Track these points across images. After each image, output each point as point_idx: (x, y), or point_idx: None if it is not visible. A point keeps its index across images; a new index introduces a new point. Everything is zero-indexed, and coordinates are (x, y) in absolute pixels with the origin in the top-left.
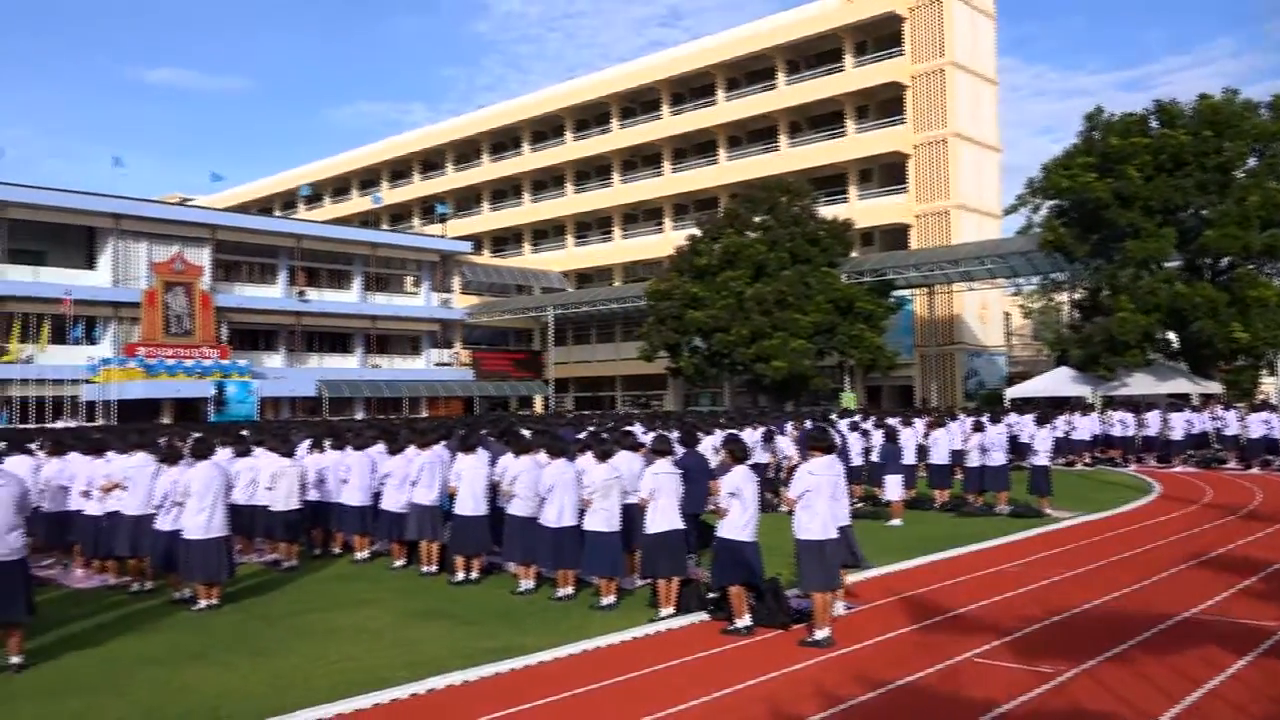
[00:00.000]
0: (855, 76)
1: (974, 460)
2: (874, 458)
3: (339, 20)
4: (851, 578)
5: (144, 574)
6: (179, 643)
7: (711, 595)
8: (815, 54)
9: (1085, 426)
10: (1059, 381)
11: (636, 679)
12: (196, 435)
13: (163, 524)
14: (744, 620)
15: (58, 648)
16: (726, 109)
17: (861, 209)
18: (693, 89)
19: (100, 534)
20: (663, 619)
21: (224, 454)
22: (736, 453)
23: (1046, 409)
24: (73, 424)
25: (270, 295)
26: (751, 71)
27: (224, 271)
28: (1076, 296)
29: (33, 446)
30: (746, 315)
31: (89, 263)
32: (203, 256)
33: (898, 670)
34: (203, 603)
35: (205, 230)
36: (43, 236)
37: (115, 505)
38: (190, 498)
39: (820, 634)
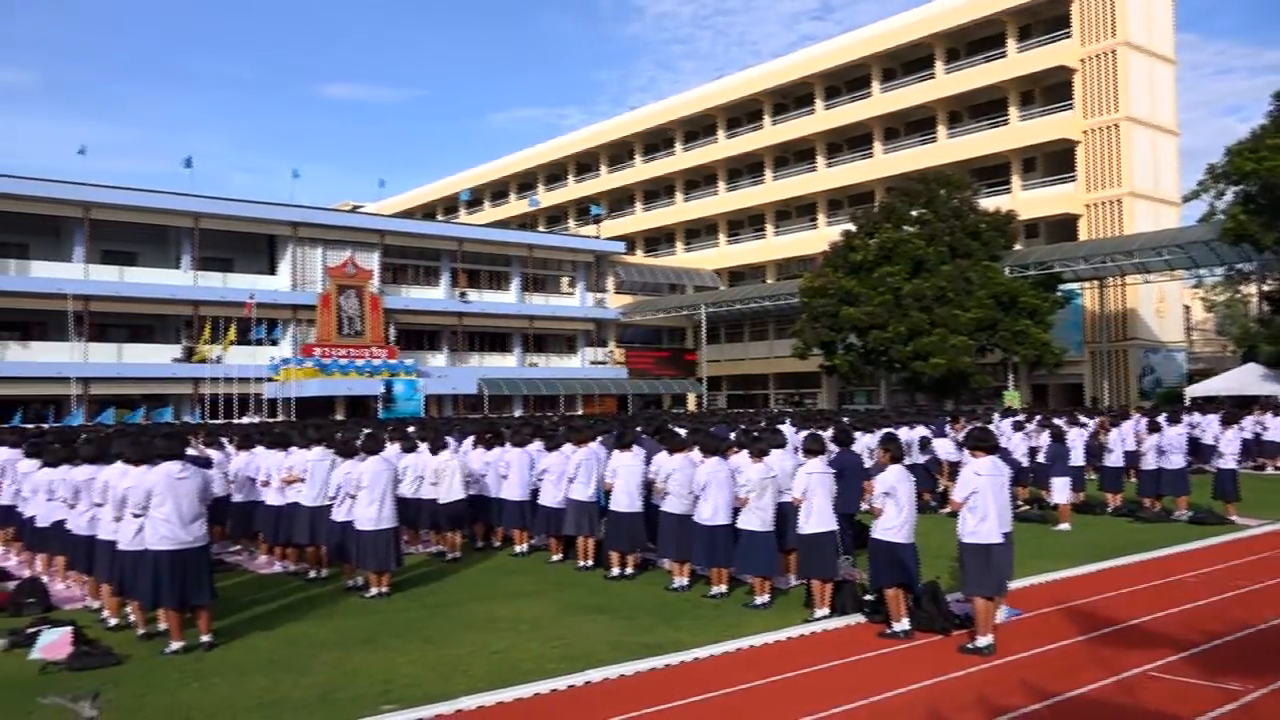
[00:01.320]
0: (1019, 62)
1: (1150, 463)
2: (1040, 459)
3: (499, 29)
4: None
5: (320, 562)
6: (352, 628)
7: (868, 597)
8: (976, 40)
9: (1277, 428)
10: (1246, 379)
11: (792, 679)
12: (367, 431)
13: (337, 515)
14: (902, 624)
15: (244, 628)
16: (882, 101)
17: (1025, 200)
18: (847, 82)
19: (281, 523)
20: (818, 620)
21: (392, 449)
22: (893, 452)
23: (1232, 409)
24: (256, 419)
25: (434, 297)
26: (908, 61)
27: (391, 274)
28: (1266, 288)
29: (223, 440)
30: (904, 312)
31: (270, 268)
32: (372, 260)
33: (1066, 681)
34: (373, 590)
35: (374, 235)
36: (230, 245)
37: (294, 496)
38: (362, 490)
39: (982, 641)
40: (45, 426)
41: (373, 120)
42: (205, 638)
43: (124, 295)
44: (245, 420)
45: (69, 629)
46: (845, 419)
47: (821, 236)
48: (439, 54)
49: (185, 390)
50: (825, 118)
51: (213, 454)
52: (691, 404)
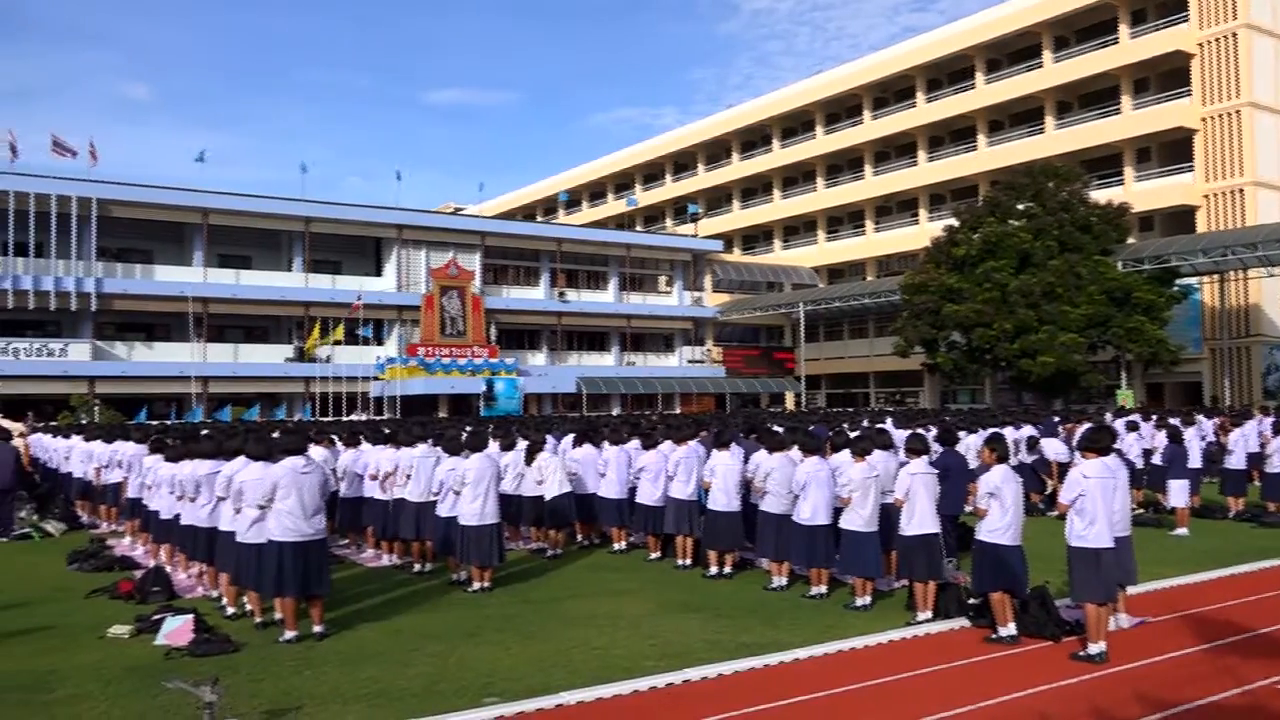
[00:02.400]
0: (1132, 48)
1: (1275, 465)
2: (1156, 460)
3: (596, 31)
4: (1131, 590)
5: (425, 556)
6: (455, 621)
7: (972, 601)
8: (1085, 27)
9: None
10: None
11: (893, 683)
12: (470, 429)
13: (441, 510)
14: (1008, 629)
15: (353, 620)
16: (986, 92)
17: (1139, 191)
18: (950, 73)
19: (388, 518)
20: (920, 623)
21: (494, 446)
22: (998, 452)
23: None
24: (363, 417)
25: (534, 297)
26: (1014, 51)
27: (492, 275)
28: None
29: (333, 437)
30: (1010, 308)
31: (377, 270)
32: (474, 262)
33: (1185, 692)
34: (476, 585)
35: (476, 237)
36: (339, 248)
37: (400, 492)
38: (466, 487)
39: (1094, 648)
40: (168, 423)
41: (474, 124)
42: (317, 628)
43: (240, 297)
44: (353, 418)
45: (190, 616)
46: (948, 418)
47: (923, 232)
48: (537, 58)
49: (297, 389)
50: (927, 111)
51: (323, 450)
52: (790, 403)
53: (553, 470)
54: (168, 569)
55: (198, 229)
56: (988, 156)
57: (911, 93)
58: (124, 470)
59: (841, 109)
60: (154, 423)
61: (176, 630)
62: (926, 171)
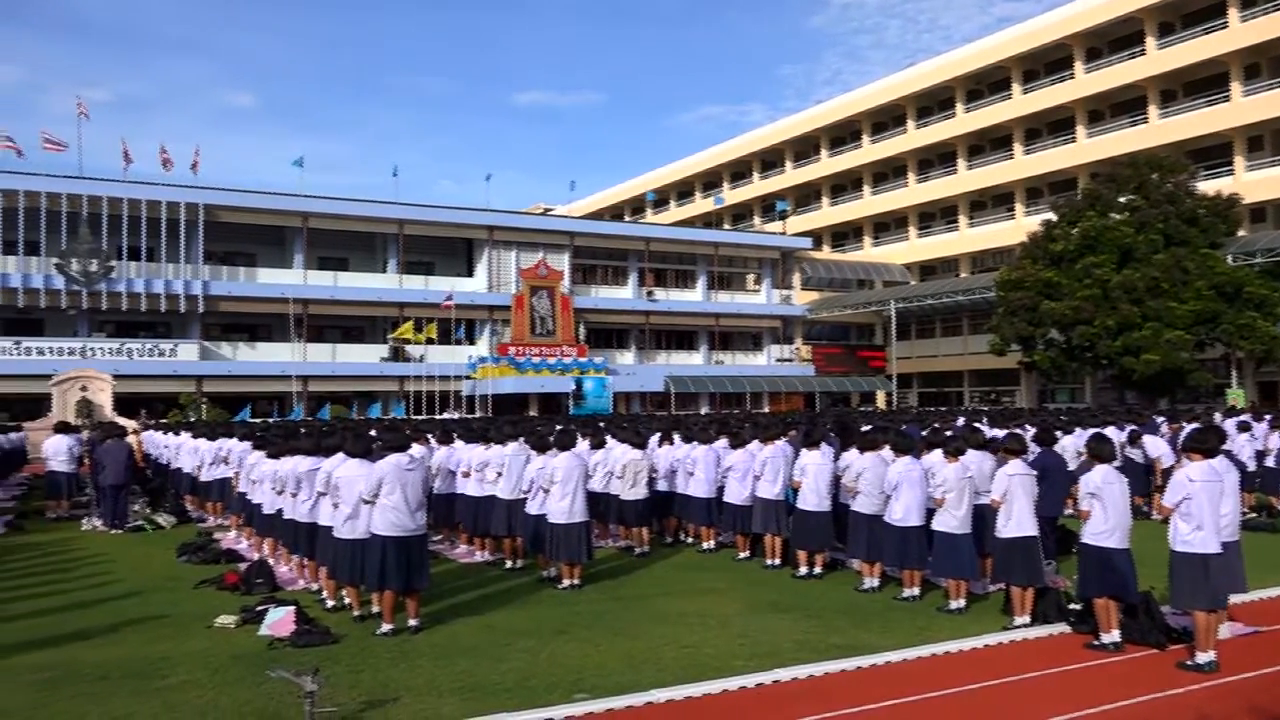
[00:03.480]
0: (1243, 32)
1: None
2: (1269, 463)
3: (682, 30)
4: (1235, 598)
5: (516, 552)
6: (546, 617)
7: (1074, 606)
8: (1192, 12)
9: None
10: None
11: (989, 688)
12: (560, 427)
13: (531, 508)
14: (1112, 635)
15: (446, 615)
16: (1086, 82)
17: (1250, 181)
18: (1047, 63)
19: (479, 514)
20: (1017, 627)
21: (583, 445)
22: (1099, 452)
23: None
24: (456, 415)
25: (622, 296)
26: (1115, 39)
27: (581, 275)
28: None
29: (428, 435)
30: (1112, 304)
31: (468, 271)
32: (563, 262)
33: None
34: (566, 582)
35: (564, 237)
36: (431, 249)
37: (492, 489)
38: (555, 485)
39: (1203, 658)
40: (271, 420)
41: (561, 125)
42: (413, 622)
43: (337, 299)
44: (446, 416)
45: (292, 608)
46: (1046, 418)
47: (1019, 227)
48: (624, 57)
49: (392, 387)
50: (1023, 102)
51: (421, 448)
52: (881, 402)
53: (638, 469)
54: (270, 561)
55: (298, 232)
56: (1087, 148)
57: (1007, 84)
58: (229, 466)
59: (934, 102)
60: (257, 420)
61: (279, 621)
62: (1023, 165)
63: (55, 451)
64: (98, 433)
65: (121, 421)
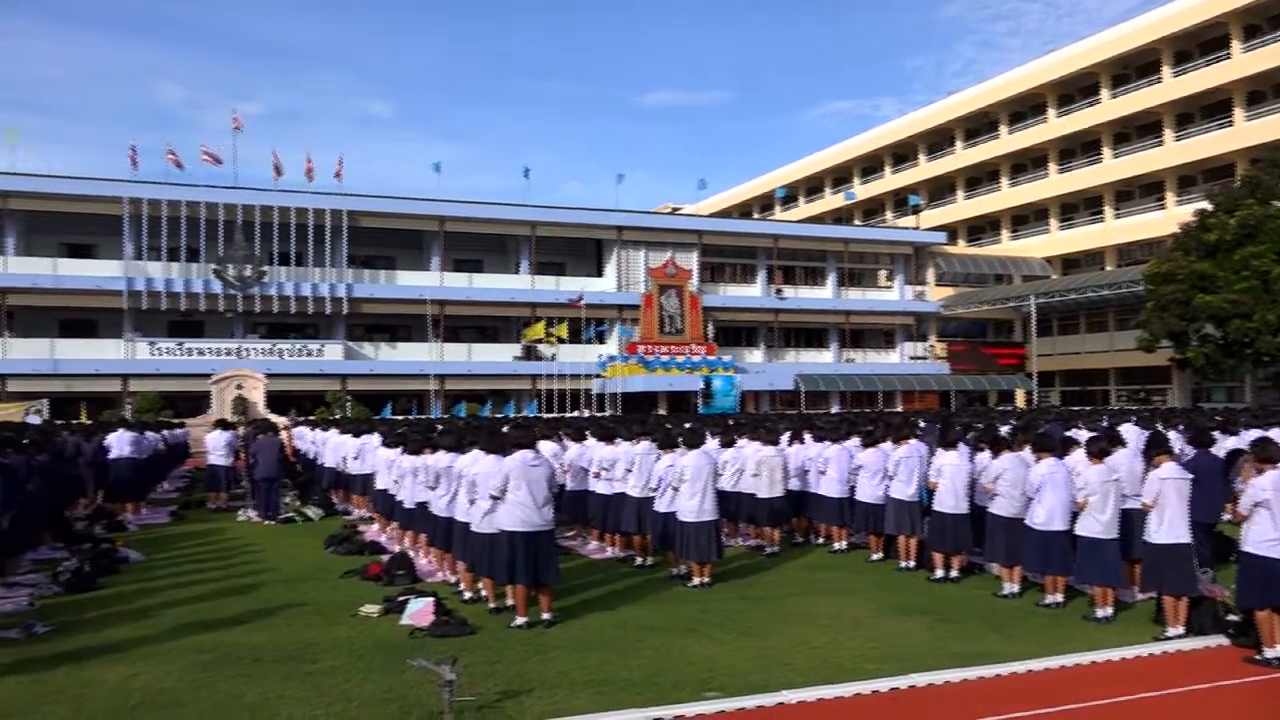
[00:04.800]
0: None
1: None
2: None
3: (809, 24)
4: None
5: (646, 550)
6: (676, 615)
7: (1233, 617)
8: None
9: None
10: None
11: (1137, 701)
12: (689, 425)
13: (660, 506)
14: (1275, 650)
15: (579, 609)
16: (1244, 62)
17: None
18: (1201, 44)
19: (610, 511)
20: (1169, 638)
21: (712, 443)
22: (1264, 455)
23: None
24: (587, 414)
25: (750, 294)
26: (1275, 16)
27: (709, 273)
28: None
29: (561, 433)
30: (1273, 298)
31: (598, 271)
32: (691, 260)
33: None
34: (696, 580)
35: (693, 236)
36: (562, 250)
37: (622, 486)
38: (684, 483)
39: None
40: (411, 418)
41: (688, 124)
42: (546, 615)
43: (472, 299)
44: (577, 414)
45: (432, 599)
46: (1201, 419)
47: (1170, 217)
48: (750, 54)
49: (524, 386)
50: (1173, 86)
51: (552, 445)
52: (1020, 400)
53: (767, 468)
54: (411, 554)
55: (435, 236)
56: (1245, 132)
57: (1156, 67)
58: (371, 461)
59: (1076, 89)
60: (398, 418)
61: (419, 612)
62: (1174, 152)
63: (215, 446)
64: (252, 429)
65: (273, 418)
